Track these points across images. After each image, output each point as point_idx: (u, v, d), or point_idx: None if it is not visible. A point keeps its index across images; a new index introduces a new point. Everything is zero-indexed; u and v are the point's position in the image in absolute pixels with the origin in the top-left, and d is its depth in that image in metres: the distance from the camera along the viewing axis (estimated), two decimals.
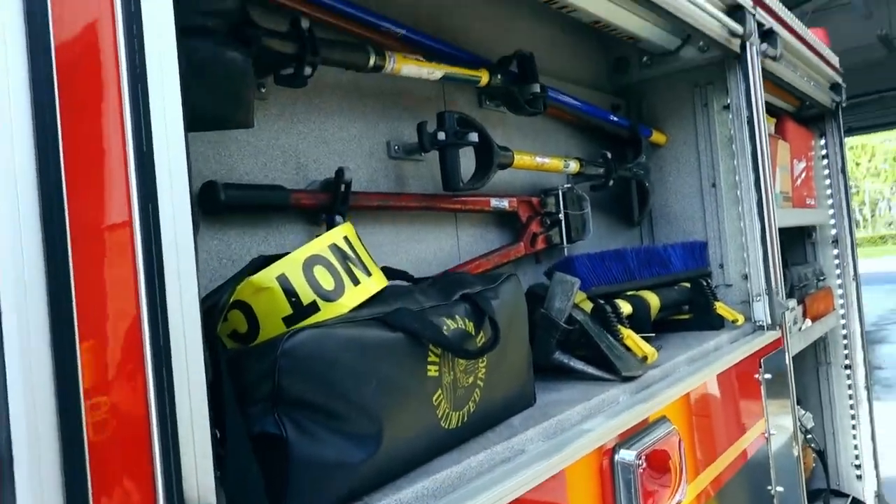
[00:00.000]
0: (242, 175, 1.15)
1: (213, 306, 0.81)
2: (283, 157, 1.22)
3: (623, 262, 2.00)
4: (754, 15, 2.12)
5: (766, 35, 2.25)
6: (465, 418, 1.02)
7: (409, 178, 1.50)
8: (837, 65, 3.23)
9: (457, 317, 1.04)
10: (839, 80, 3.25)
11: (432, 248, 1.56)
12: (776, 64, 2.36)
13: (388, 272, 1.29)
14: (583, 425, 1.19)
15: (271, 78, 1.15)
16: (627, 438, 1.25)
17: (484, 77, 1.51)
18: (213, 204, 1.06)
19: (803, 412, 3.10)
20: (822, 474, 3.18)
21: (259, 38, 1.00)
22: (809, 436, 3.02)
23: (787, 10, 2.49)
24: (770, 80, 2.43)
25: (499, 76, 1.55)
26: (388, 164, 1.45)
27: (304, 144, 1.26)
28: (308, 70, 1.10)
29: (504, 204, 1.69)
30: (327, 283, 0.88)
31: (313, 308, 0.86)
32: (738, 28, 2.01)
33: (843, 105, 3.36)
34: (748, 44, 2.11)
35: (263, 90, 1.18)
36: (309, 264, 0.87)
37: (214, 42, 0.91)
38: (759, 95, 2.19)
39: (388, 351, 0.89)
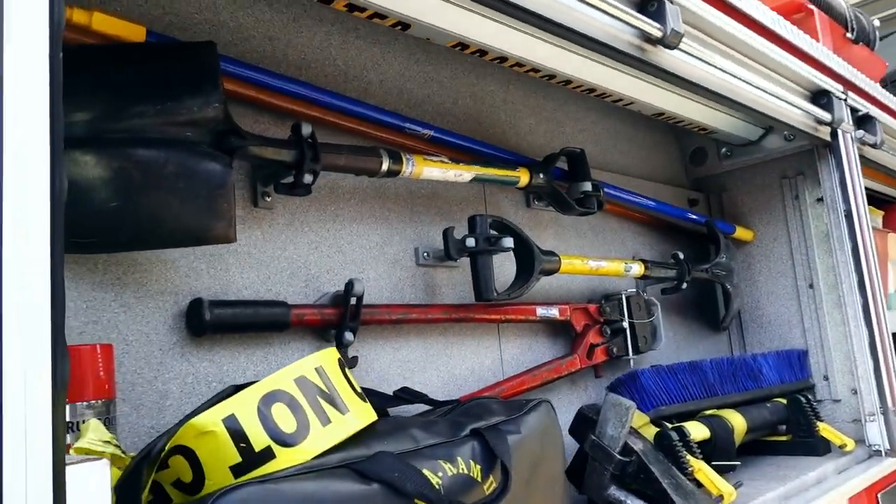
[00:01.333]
0: (241, 289, 1.06)
1: (148, 453, 0.70)
2: (290, 268, 1.13)
3: (700, 374, 1.76)
4: (845, 99, 1.91)
5: (863, 121, 2.03)
6: None
7: (442, 287, 1.38)
8: None
9: (458, 459, 0.88)
10: None
11: (469, 362, 1.41)
12: (879, 151, 2.11)
13: (405, 394, 1.16)
14: None
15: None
16: None
17: (524, 177, 1.39)
18: (199, 324, 0.97)
19: None
20: None
21: (244, 148, 0.93)
22: None
23: (887, 92, 2.25)
24: (871, 167, 2.18)
25: (541, 175, 1.43)
26: (416, 273, 1.33)
27: (316, 255, 1.17)
28: (309, 178, 1.02)
29: (553, 312, 1.52)
30: (287, 424, 0.75)
31: (267, 455, 0.73)
32: (826, 115, 1.81)
33: None
34: (839, 131, 1.89)
35: (269, 199, 1.11)
36: (266, 402, 0.75)
37: (188, 153, 0.85)
38: (858, 186, 1.94)
39: None
